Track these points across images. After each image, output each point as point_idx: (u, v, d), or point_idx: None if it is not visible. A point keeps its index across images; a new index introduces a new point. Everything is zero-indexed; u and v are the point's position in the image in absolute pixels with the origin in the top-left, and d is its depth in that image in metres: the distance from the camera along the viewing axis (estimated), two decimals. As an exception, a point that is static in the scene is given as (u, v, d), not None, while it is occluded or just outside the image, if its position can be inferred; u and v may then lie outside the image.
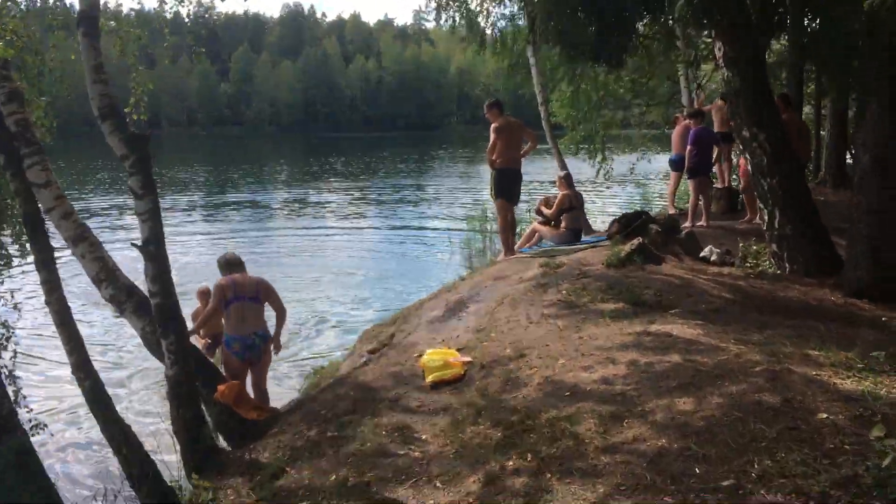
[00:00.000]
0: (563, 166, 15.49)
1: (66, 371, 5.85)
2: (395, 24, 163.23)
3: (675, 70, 16.28)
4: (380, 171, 42.05)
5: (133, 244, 5.32)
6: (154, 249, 5.25)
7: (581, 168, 20.44)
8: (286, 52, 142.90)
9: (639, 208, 19.48)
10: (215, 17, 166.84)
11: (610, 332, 5.42)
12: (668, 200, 12.95)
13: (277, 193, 31.61)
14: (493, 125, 9.38)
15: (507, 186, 9.43)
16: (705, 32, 11.66)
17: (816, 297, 6.91)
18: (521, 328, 6.02)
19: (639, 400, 3.97)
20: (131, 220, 21.33)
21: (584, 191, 23.75)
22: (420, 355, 5.76)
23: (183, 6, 8.67)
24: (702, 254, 8.46)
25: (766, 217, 7.72)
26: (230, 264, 6.78)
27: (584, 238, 10.10)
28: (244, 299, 6.41)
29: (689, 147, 10.59)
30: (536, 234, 10.23)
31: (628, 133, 21.57)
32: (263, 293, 6.61)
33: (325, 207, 26.53)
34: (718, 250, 8.49)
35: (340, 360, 8.23)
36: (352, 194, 30.53)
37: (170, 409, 5.24)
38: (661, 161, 20.48)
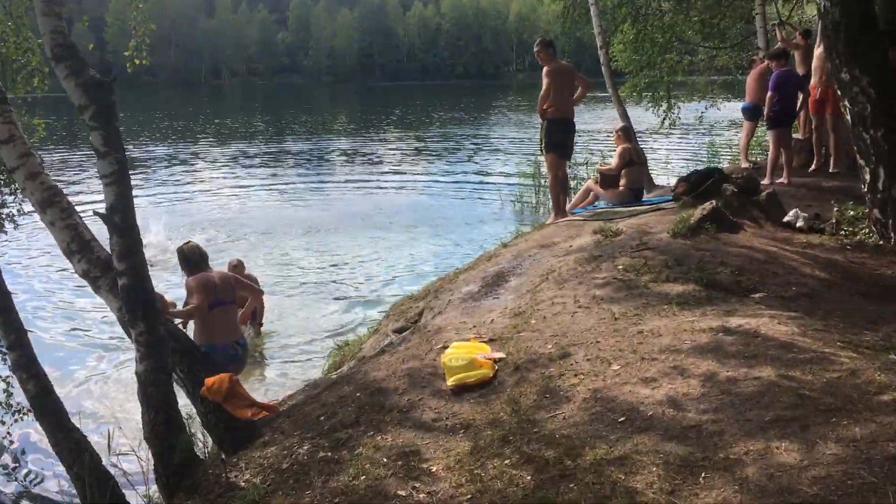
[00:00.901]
0: (624, 116, 14.17)
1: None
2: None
3: (751, 7, 14.66)
4: (435, 122, 40.85)
5: (96, 213, 4.41)
6: (120, 220, 4.33)
7: (643, 117, 18.99)
8: (343, 1, 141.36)
9: (707, 162, 18.12)
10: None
11: (677, 325, 4.33)
12: (741, 153, 11.57)
13: (332, 144, 30.90)
14: (545, 69, 8.23)
15: (560, 139, 8.30)
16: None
17: (933, 276, 5.67)
18: (566, 314, 4.97)
19: (721, 440, 2.91)
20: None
21: (645, 143, 22.47)
22: (444, 347, 4.78)
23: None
24: (786, 218, 7.22)
25: (866, 177, 6.44)
26: (202, 259, 6.00)
27: (645, 197, 8.91)
28: (228, 303, 5.65)
29: (769, 93, 9.22)
30: (592, 194, 9.08)
31: (695, 79, 19.95)
32: (238, 290, 6.04)
33: (380, 158, 25.62)
34: (805, 214, 7.24)
35: (367, 335, 7.32)
36: (407, 145, 29.58)
37: (141, 411, 4.38)
38: (731, 109, 18.87)
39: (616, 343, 4.24)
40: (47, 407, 4.10)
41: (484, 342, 4.77)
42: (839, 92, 6.50)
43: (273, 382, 7.53)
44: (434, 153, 26.97)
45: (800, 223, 7.14)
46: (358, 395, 4.43)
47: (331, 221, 14.62)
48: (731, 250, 5.93)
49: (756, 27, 14.31)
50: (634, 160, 8.77)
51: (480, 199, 17.20)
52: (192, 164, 24.48)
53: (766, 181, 9.43)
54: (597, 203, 8.89)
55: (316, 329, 8.80)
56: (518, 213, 15.19)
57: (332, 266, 11.39)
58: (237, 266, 8.52)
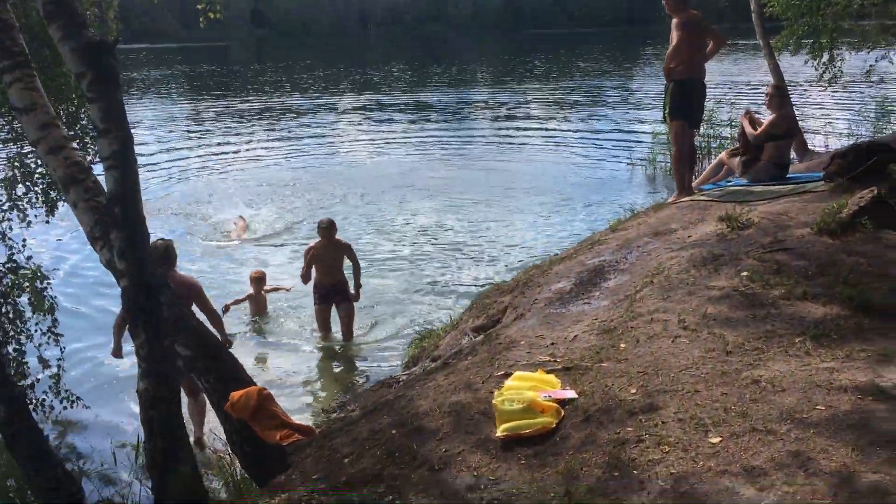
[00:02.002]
0: (776, 72, 12.46)
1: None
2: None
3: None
4: (577, 73, 38.88)
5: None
6: (121, 211, 3.67)
7: (801, 68, 16.83)
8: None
9: (875, 124, 15.84)
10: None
11: (809, 374, 3.22)
12: None
13: (464, 96, 29.88)
14: (674, 20, 6.98)
15: (687, 103, 7.05)
16: None
17: None
18: (666, 338, 3.93)
19: None
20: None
21: (802, 97, 20.01)
22: (506, 375, 3.87)
23: None
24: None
25: None
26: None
27: (791, 173, 7.50)
28: None
29: None
30: (725, 167, 7.75)
31: (865, 25, 17.43)
32: (194, 298, 5.53)
33: (512, 114, 24.33)
34: None
35: (449, 326, 6.49)
36: (543, 99, 28.12)
37: (143, 435, 3.76)
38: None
39: (722, 395, 3.19)
40: (20, 435, 3.51)
41: (556, 371, 3.82)
42: None
43: (348, 378, 6.85)
44: (570, 108, 25.43)
45: None
46: (393, 432, 3.62)
47: (444, 184, 13.74)
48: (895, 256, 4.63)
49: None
50: (787, 133, 7.35)
51: (614, 158, 15.66)
52: (323, 116, 24.28)
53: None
54: (729, 179, 7.57)
55: (404, 312, 8.03)
56: (649, 180, 13.78)
57: (433, 238, 10.50)
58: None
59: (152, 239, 4.10)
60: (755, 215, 5.74)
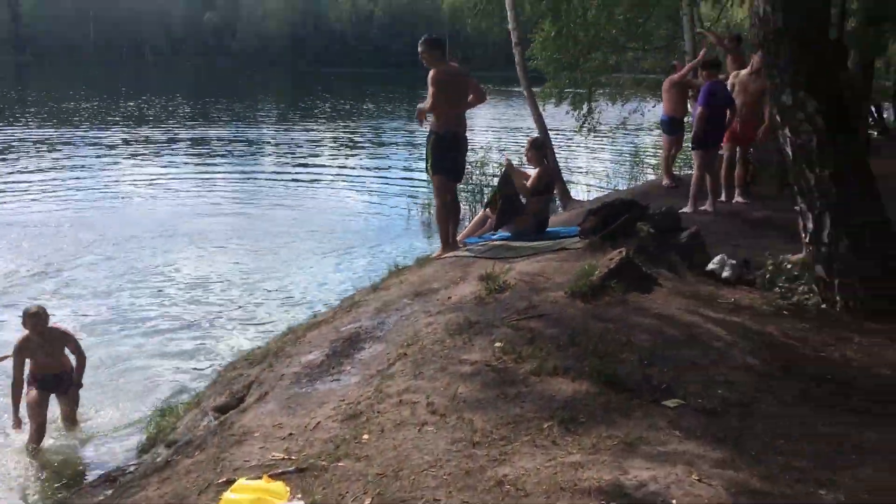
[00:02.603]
0: (541, 124, 12.90)
1: None
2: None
3: (677, 7, 13.54)
4: (360, 112, 38.99)
5: None
6: None
7: (562, 117, 17.74)
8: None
9: (630, 171, 16.98)
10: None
11: (554, 471, 2.97)
12: (663, 170, 10.39)
13: (252, 132, 28.73)
14: (431, 72, 6.80)
15: (448, 158, 6.90)
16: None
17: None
18: (412, 427, 3.56)
19: None
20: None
21: (564, 145, 21.01)
22: (229, 482, 3.31)
23: None
24: (710, 266, 5.99)
25: (809, 224, 5.21)
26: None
27: (551, 227, 7.57)
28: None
29: (699, 108, 8.00)
30: (489, 220, 7.69)
31: (620, 77, 18.75)
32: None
33: (300, 152, 23.45)
34: (733, 262, 6.01)
35: (188, 404, 5.77)
36: (326, 136, 27.70)
37: None
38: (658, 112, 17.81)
39: (463, 503, 2.85)
40: None
41: (287, 475, 3.32)
42: (778, 118, 5.24)
43: (65, 472, 5.81)
44: (356, 148, 25.17)
45: (726, 273, 5.91)
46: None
47: (221, 228, 12.65)
48: (642, 322, 4.61)
49: (683, 29, 13.20)
50: (548, 187, 7.38)
51: (396, 202, 15.17)
52: (90, 151, 22.03)
53: (687, 209, 8.25)
54: (493, 232, 7.51)
55: (152, 384, 7.11)
56: (425, 226, 13.70)
57: (198, 294, 9.50)
58: (36, 316, 6.09)
59: None
60: (513, 275, 5.62)
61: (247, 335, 8.20)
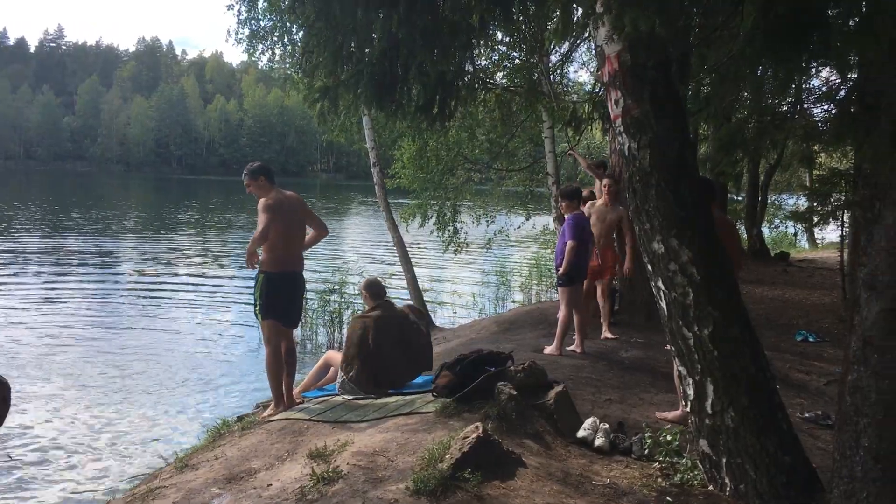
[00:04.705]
0: (400, 245, 12.16)
1: None
2: (258, 66, 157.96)
3: (539, 130, 13.37)
4: (230, 223, 37.41)
5: None
6: None
7: (426, 236, 17.14)
8: (140, 88, 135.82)
9: (498, 288, 16.41)
10: (63, 47, 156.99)
11: None
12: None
13: (109, 243, 26.64)
14: (260, 202, 5.89)
15: (282, 300, 5.92)
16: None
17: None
18: None
19: None
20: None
21: (428, 267, 20.19)
22: None
23: None
24: (581, 433, 5.17)
25: (689, 391, 4.50)
26: None
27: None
28: None
29: (569, 242, 7.40)
30: (332, 369, 6.68)
31: (487, 189, 18.41)
32: None
33: (158, 262, 21.87)
34: (606, 426, 5.23)
35: None
36: (193, 248, 26.02)
37: None
38: (527, 227, 17.48)
39: None
40: None
41: None
42: (650, 268, 4.60)
43: None
44: (212, 258, 23.73)
45: (599, 440, 5.10)
46: None
47: (60, 365, 10.77)
48: (501, 529, 3.66)
49: (546, 151, 12.98)
50: (381, 342, 6.34)
51: (245, 334, 13.67)
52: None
53: (551, 350, 7.54)
54: (335, 384, 6.48)
55: None
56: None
57: None
58: None
59: None
60: (348, 456, 4.58)
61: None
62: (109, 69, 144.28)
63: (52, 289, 17.21)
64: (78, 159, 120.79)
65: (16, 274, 19.23)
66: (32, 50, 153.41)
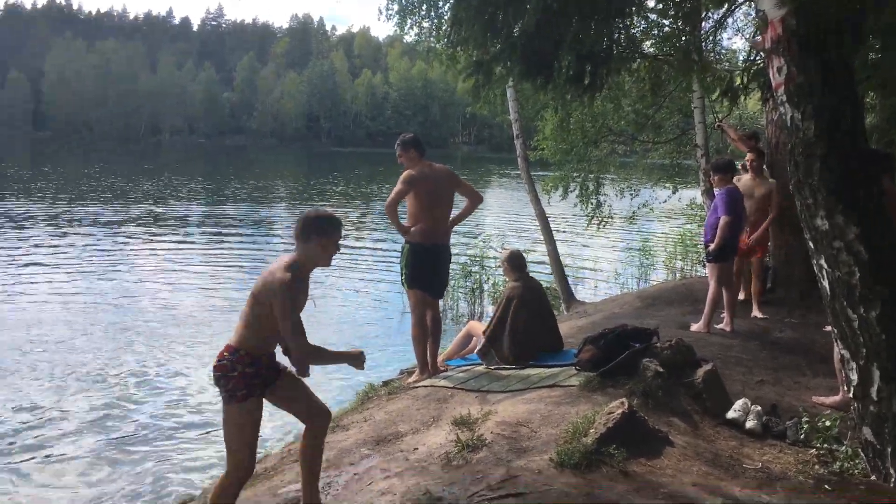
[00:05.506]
0: (542, 217, 12.11)
1: None
2: (404, 40, 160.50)
3: (688, 100, 12.87)
4: (376, 194, 38.63)
5: None
6: None
7: (569, 209, 16.94)
8: (293, 64, 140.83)
9: (639, 267, 15.99)
10: (223, 25, 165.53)
11: None
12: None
13: (266, 211, 28.46)
14: (403, 174, 6.02)
15: (426, 272, 6.05)
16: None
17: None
18: None
19: None
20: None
21: (567, 241, 19.82)
22: None
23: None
24: (731, 414, 5.00)
25: (853, 376, 4.26)
26: None
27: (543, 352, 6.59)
28: None
29: (723, 218, 7.12)
30: (474, 339, 6.77)
31: (631, 161, 17.99)
32: None
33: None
34: (758, 408, 5.04)
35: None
36: (344, 217, 27.19)
37: None
38: (673, 200, 16.91)
39: None
40: None
41: None
42: (812, 245, 4.35)
43: None
44: (360, 227, 24.69)
45: (750, 423, 4.92)
46: None
47: (210, 315, 11.94)
48: (648, 506, 3.62)
49: (695, 122, 12.49)
50: (528, 308, 6.34)
51: (377, 303, 13.90)
52: (101, 229, 21.68)
53: (699, 327, 7.31)
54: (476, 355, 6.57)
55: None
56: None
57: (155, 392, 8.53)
58: None
59: None
60: (492, 425, 4.65)
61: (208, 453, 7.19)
62: (265, 46, 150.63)
63: (213, 254, 18.44)
64: (236, 133, 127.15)
65: (180, 240, 20.73)
66: (195, 28, 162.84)
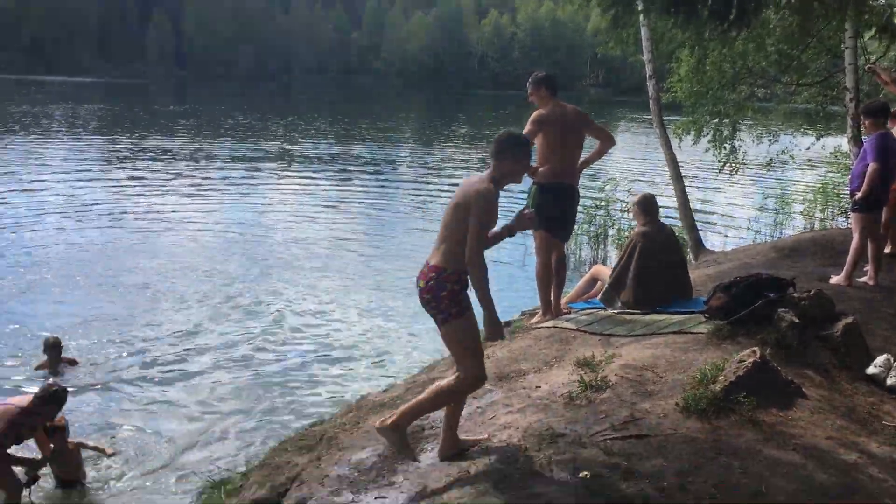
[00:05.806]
0: (672, 164, 11.73)
1: None
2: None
3: (839, 39, 12.00)
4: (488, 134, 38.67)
5: None
6: None
7: (697, 154, 16.30)
8: (420, 4, 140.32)
9: (775, 217, 15.26)
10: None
11: None
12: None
13: (393, 152, 29.40)
14: (537, 112, 5.95)
15: (552, 212, 5.98)
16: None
17: None
18: None
19: None
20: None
21: (698, 188, 19.14)
22: None
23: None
24: (871, 370, 4.78)
25: None
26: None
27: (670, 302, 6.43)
28: None
29: (871, 165, 6.66)
30: (599, 283, 6.70)
31: (770, 106, 17.08)
32: None
33: (438, 172, 23.61)
34: (903, 363, 4.78)
35: (234, 488, 5.10)
36: (443, 159, 27.45)
37: None
38: (816, 147, 15.98)
39: None
40: None
41: None
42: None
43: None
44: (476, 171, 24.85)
45: (892, 380, 4.69)
46: None
47: (355, 260, 12.52)
48: (780, 458, 3.52)
49: (845, 63, 11.66)
50: (654, 254, 6.19)
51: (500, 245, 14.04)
52: (242, 165, 23.24)
53: (839, 279, 6.93)
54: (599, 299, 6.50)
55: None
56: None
57: (307, 336, 8.99)
58: (54, 347, 7.27)
59: None
60: (616, 367, 4.63)
61: (326, 389, 7.59)
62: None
63: (340, 191, 19.08)
64: (364, 73, 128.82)
65: (309, 176, 21.51)
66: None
